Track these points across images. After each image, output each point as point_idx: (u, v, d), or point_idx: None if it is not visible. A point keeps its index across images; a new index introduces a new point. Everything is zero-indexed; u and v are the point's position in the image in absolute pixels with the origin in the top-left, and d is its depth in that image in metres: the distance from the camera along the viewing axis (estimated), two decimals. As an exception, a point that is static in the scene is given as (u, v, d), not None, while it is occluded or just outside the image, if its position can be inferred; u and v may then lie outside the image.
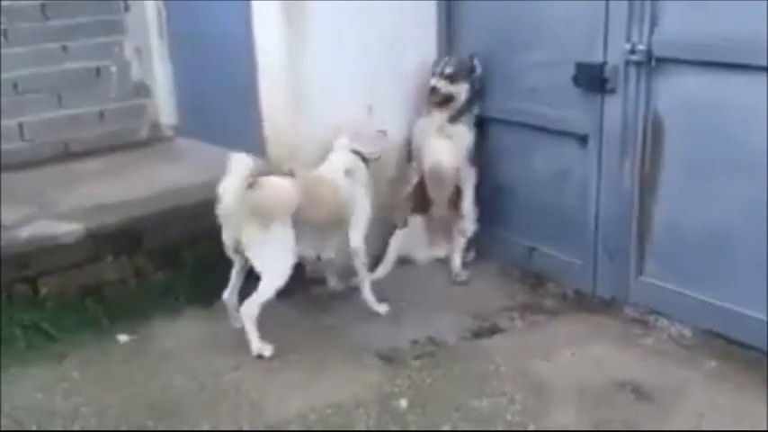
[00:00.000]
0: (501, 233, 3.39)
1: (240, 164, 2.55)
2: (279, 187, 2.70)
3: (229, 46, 3.51)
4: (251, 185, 2.61)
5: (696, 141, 2.65)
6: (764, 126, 2.42)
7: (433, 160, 3.31)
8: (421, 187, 3.38)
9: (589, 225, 3.00)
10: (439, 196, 3.37)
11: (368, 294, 2.99)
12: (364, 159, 2.99)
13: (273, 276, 2.64)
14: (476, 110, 3.30)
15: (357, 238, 2.93)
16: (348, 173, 2.91)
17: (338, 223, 2.89)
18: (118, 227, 3.03)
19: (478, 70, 3.25)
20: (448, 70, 3.21)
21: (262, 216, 2.59)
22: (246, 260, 2.70)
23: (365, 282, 2.99)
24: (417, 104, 3.38)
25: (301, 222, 2.68)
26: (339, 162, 2.94)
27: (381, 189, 3.27)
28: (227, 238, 2.68)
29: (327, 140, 3.06)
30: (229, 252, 2.71)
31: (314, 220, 2.76)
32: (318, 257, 2.95)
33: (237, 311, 2.73)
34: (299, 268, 3.08)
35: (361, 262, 2.95)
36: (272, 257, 2.65)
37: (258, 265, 2.65)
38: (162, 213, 3.09)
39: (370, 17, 3.23)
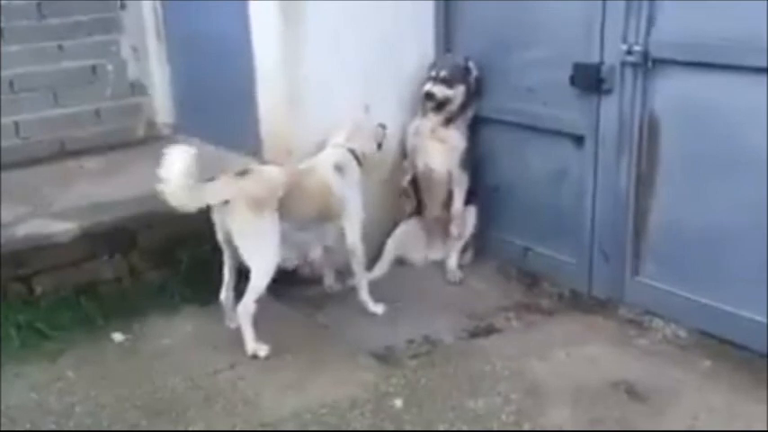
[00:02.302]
0: (497, 233, 3.39)
1: (182, 154, 2.49)
2: (266, 175, 2.71)
3: (226, 45, 3.51)
4: (243, 173, 2.61)
5: (692, 142, 2.65)
6: (761, 127, 2.42)
7: (425, 163, 3.31)
8: (416, 188, 3.39)
9: (585, 225, 3.00)
10: (432, 198, 3.37)
11: (365, 295, 2.98)
12: (358, 159, 2.98)
13: (261, 269, 2.63)
14: (470, 112, 3.30)
15: (353, 235, 2.92)
16: (338, 167, 2.90)
17: (327, 218, 2.88)
18: (113, 226, 3.03)
19: (474, 72, 3.25)
20: (443, 74, 3.20)
21: (254, 203, 2.58)
22: (236, 252, 2.68)
23: (362, 282, 2.99)
24: (414, 105, 3.38)
25: (288, 214, 2.67)
26: (330, 157, 2.94)
27: (376, 189, 3.27)
28: (218, 228, 2.68)
29: (324, 138, 3.06)
30: (221, 243, 2.71)
31: (301, 212, 2.75)
32: (306, 258, 2.94)
33: (234, 311, 2.72)
34: (294, 268, 3.09)
35: (358, 261, 2.95)
36: (261, 247, 2.63)
37: (246, 256, 2.64)
38: (157, 212, 3.07)
39: (368, 17, 3.23)
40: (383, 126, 3.16)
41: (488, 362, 2.62)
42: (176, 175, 2.46)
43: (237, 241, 2.64)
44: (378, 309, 2.98)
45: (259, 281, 2.63)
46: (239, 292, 2.71)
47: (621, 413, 2.34)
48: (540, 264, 3.22)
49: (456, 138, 3.28)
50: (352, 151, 2.98)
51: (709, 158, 2.61)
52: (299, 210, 2.74)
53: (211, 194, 2.59)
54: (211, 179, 2.62)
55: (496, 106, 3.28)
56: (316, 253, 3.05)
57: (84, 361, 2.67)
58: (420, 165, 3.34)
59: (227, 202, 2.61)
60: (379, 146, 3.13)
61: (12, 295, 2.83)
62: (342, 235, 2.93)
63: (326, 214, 2.86)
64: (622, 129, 2.80)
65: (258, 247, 2.64)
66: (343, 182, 2.89)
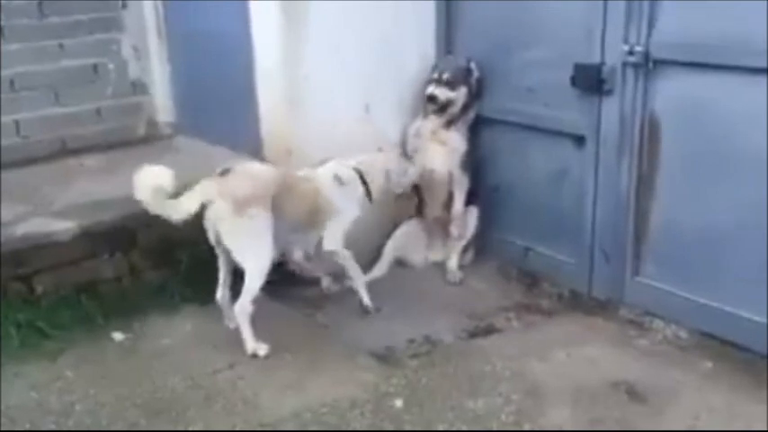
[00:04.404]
0: (498, 233, 3.39)
1: (151, 175, 2.51)
2: (253, 173, 2.68)
3: (227, 44, 3.51)
4: (225, 173, 2.60)
5: (693, 143, 2.65)
6: (761, 127, 2.42)
7: (425, 165, 3.31)
8: (416, 189, 3.38)
9: (585, 226, 3.00)
10: (432, 199, 3.37)
11: (363, 292, 2.95)
12: (363, 181, 2.93)
13: (254, 269, 2.61)
14: (471, 114, 3.30)
15: (330, 241, 2.86)
16: (337, 178, 2.86)
17: (316, 224, 2.83)
18: (113, 224, 3.03)
19: (476, 73, 3.25)
20: (445, 77, 3.20)
21: (235, 202, 2.56)
22: (229, 251, 2.66)
23: (359, 283, 2.95)
24: (415, 106, 3.38)
25: (280, 214, 2.64)
26: (332, 168, 2.90)
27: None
28: (208, 228, 2.66)
29: (325, 138, 3.05)
30: (213, 244, 2.70)
31: (292, 213, 2.71)
32: (289, 257, 2.91)
33: (232, 310, 2.71)
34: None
35: (346, 263, 2.90)
36: (250, 245, 2.61)
37: (237, 255, 2.62)
38: (157, 211, 3.08)
39: (369, 18, 3.23)
40: (409, 167, 3.11)
41: (488, 362, 2.62)
42: (145, 193, 2.49)
43: (227, 242, 2.62)
44: (373, 305, 2.95)
45: (254, 282, 2.61)
46: (236, 291, 2.70)
47: (621, 413, 2.34)
48: (541, 264, 3.22)
49: (457, 140, 3.28)
50: (359, 171, 2.93)
51: (709, 159, 2.61)
52: (290, 211, 2.69)
53: (189, 202, 2.55)
54: (189, 186, 2.59)
55: (497, 107, 3.27)
56: (298, 255, 3.02)
57: (84, 360, 2.67)
58: (421, 167, 3.34)
59: (212, 202, 2.58)
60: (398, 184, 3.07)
61: (12, 294, 2.83)
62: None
63: (316, 219, 2.82)
64: (623, 129, 2.80)
65: (249, 247, 2.61)
66: (341, 193, 2.85)
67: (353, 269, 2.96)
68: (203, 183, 2.60)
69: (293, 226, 2.76)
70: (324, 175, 2.88)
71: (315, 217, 2.82)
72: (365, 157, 3.01)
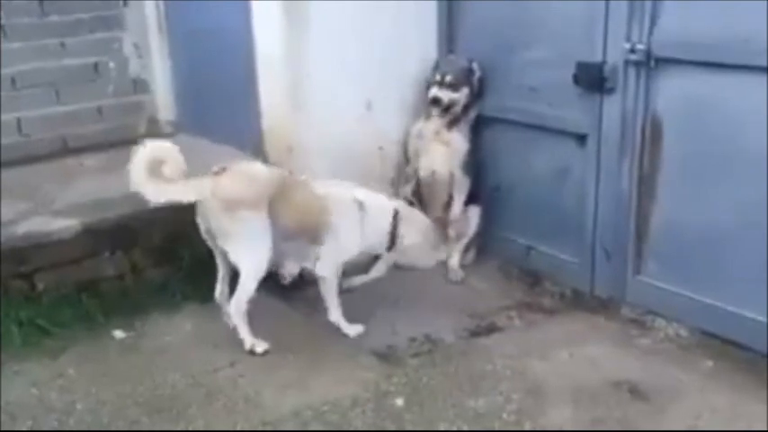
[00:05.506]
0: (499, 232, 3.39)
1: (151, 149, 2.50)
2: (249, 174, 2.65)
3: (229, 42, 3.51)
4: (219, 172, 2.58)
5: (695, 142, 2.65)
6: (763, 127, 2.42)
7: (428, 166, 3.31)
8: (417, 189, 3.38)
9: (587, 225, 3.00)
10: (433, 200, 3.37)
11: (336, 317, 2.81)
12: (395, 225, 2.78)
13: (249, 267, 2.59)
14: (473, 113, 3.30)
15: (324, 267, 2.73)
16: (358, 203, 2.71)
17: (312, 240, 2.71)
18: (115, 223, 3.03)
19: (477, 73, 3.25)
20: (449, 79, 3.20)
21: (226, 202, 2.54)
22: (222, 247, 2.65)
23: (332, 306, 2.80)
24: (416, 106, 3.38)
25: (276, 218, 2.59)
26: (357, 191, 2.74)
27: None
28: (201, 225, 2.65)
29: (326, 136, 3.04)
30: (207, 241, 2.68)
31: (282, 220, 2.61)
32: (280, 267, 2.81)
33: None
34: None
35: (327, 289, 2.78)
36: (244, 245, 2.58)
37: (232, 255, 2.61)
38: (159, 210, 3.06)
39: (371, 17, 3.23)
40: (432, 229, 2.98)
41: (490, 361, 2.61)
42: (136, 168, 2.48)
43: (221, 242, 2.61)
44: (352, 330, 2.81)
45: (248, 283, 2.60)
46: (235, 288, 2.67)
47: (623, 413, 2.33)
48: (542, 263, 3.22)
49: (459, 140, 3.28)
50: (397, 212, 2.78)
51: (711, 158, 2.60)
52: (283, 215, 2.61)
53: (183, 192, 2.53)
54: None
55: (499, 106, 3.27)
56: (294, 268, 2.85)
57: (86, 358, 2.67)
58: (423, 167, 3.33)
59: (206, 200, 2.56)
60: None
61: (13, 292, 2.83)
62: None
63: (312, 235, 2.69)
64: (625, 127, 2.79)
65: (243, 247, 2.58)
66: (353, 218, 2.70)
67: (332, 299, 2.80)
68: (199, 180, 2.58)
69: (284, 233, 2.64)
70: (342, 194, 2.73)
71: (311, 232, 2.69)
72: (406, 206, 2.94)
